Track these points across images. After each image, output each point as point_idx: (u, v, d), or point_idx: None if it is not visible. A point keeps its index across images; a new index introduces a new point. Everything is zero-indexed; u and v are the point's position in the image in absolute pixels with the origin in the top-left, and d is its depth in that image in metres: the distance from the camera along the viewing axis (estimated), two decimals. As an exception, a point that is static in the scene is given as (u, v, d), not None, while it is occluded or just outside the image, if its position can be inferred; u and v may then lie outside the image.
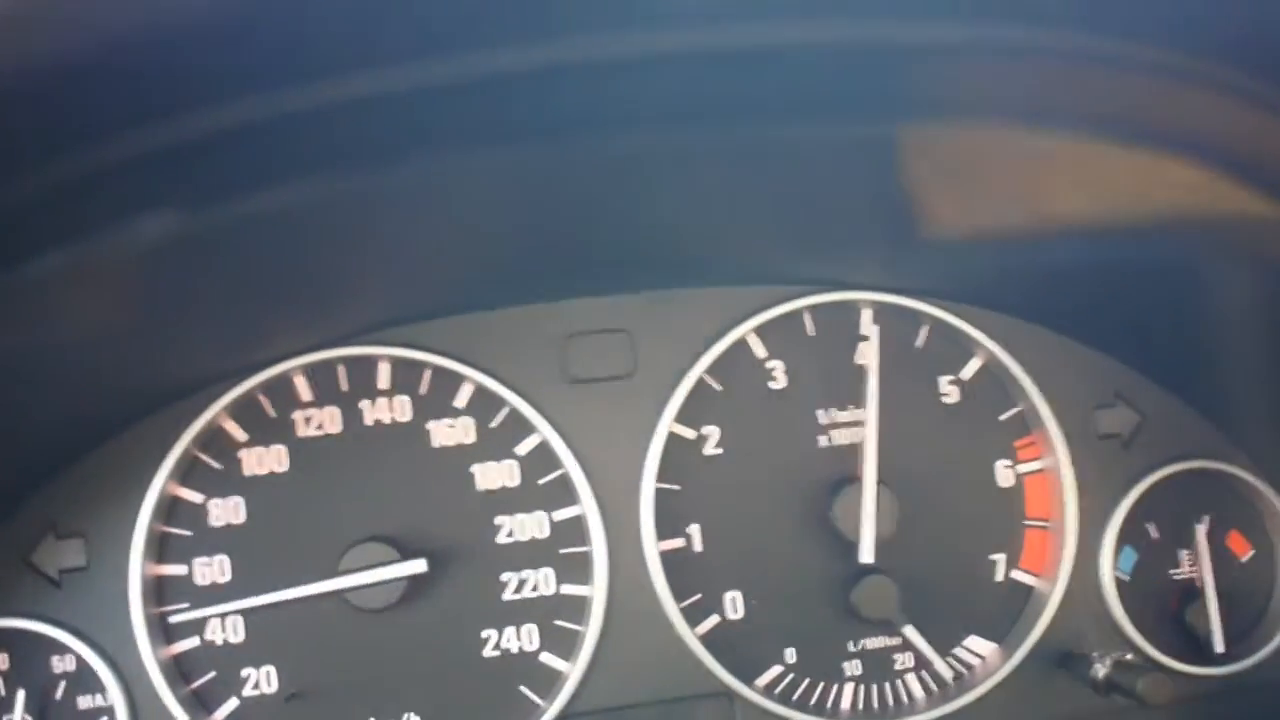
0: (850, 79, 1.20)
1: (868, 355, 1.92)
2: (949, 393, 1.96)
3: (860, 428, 1.90)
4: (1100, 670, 1.81)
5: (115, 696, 1.76)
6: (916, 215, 1.69)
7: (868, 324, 1.94)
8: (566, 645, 1.86)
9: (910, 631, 1.87)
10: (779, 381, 1.93)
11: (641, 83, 1.16)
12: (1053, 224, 1.68)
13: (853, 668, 1.91)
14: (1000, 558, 1.95)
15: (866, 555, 1.83)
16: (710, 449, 1.90)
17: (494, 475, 1.86)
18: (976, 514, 1.95)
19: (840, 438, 1.92)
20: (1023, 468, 1.96)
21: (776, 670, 1.90)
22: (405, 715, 1.83)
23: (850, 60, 1.16)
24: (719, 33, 1.10)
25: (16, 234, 1.16)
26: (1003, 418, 1.96)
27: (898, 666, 1.92)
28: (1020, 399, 1.95)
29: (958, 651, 1.94)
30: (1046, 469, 1.95)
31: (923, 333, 1.96)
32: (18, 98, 0.95)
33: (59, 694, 1.78)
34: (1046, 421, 1.92)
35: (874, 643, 1.92)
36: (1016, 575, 1.95)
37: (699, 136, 1.33)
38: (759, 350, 1.92)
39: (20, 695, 1.76)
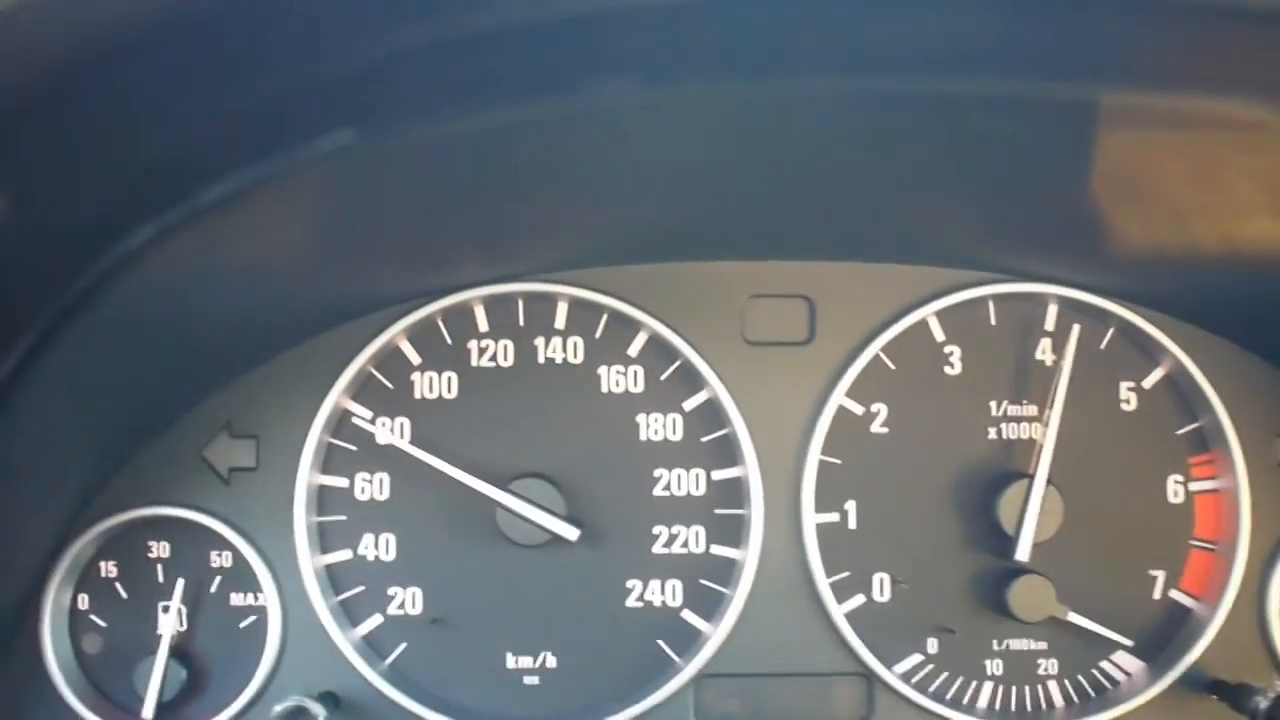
0: (1063, 34, 1.15)
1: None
2: (1128, 399, 1.90)
3: (1033, 424, 1.86)
4: (1261, 702, 1.74)
5: (270, 597, 1.80)
6: (1115, 215, 1.63)
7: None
8: (709, 606, 1.85)
9: (1075, 617, 1.82)
10: (955, 368, 1.88)
11: (856, 22, 1.12)
12: (1256, 244, 1.62)
13: (995, 667, 1.87)
14: (1160, 575, 1.89)
15: (1023, 553, 1.79)
16: (877, 426, 1.87)
17: (658, 427, 1.85)
18: (1141, 527, 1.89)
19: (1011, 431, 1.87)
20: (1195, 485, 1.89)
21: (917, 658, 1.87)
22: (542, 654, 1.84)
23: (1063, 13, 1.11)
24: None
25: (211, 153, 1.18)
26: (1181, 432, 1.89)
27: (1040, 671, 1.88)
28: (1203, 414, 1.88)
29: (1104, 665, 1.88)
30: (1221, 489, 1.88)
31: (1108, 334, 1.90)
32: (216, 22, 0.96)
33: (214, 587, 1.83)
34: (1229, 441, 1.85)
35: (1019, 644, 1.87)
36: (1175, 595, 1.88)
37: (905, 92, 1.28)
38: (938, 334, 1.88)
39: (180, 584, 1.81)
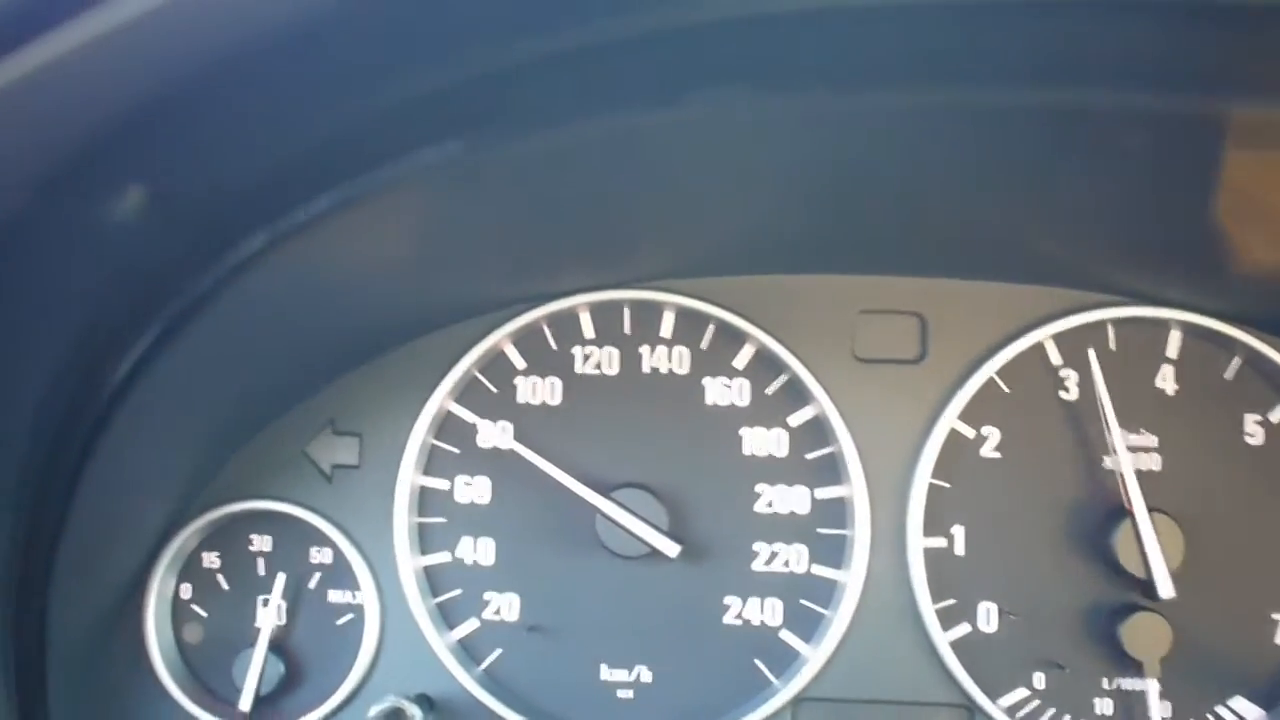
0: (1189, 48, 1.10)
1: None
2: (1254, 433, 1.82)
3: (1151, 454, 1.79)
4: (1392, 758, 1.65)
5: (368, 595, 1.80)
6: (1244, 236, 1.57)
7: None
8: (809, 627, 1.81)
9: (1151, 685, 1.74)
10: (1071, 393, 1.82)
11: (982, 32, 1.09)
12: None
13: (1104, 706, 1.80)
14: (1282, 618, 1.81)
15: (1164, 590, 1.71)
16: (988, 451, 1.81)
17: (762, 442, 1.82)
18: (1265, 568, 1.80)
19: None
20: (1323, 526, 1.81)
21: (1023, 693, 1.80)
22: (637, 667, 1.81)
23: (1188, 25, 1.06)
24: None
25: (325, 162, 1.19)
26: (1309, 469, 1.81)
27: (1152, 714, 1.79)
28: (1334, 453, 1.80)
29: (1219, 710, 1.80)
30: (1351, 533, 1.80)
31: (1234, 364, 1.82)
32: (338, 32, 0.96)
33: (313, 584, 1.84)
34: None
35: (1130, 684, 1.79)
36: (1298, 641, 1.80)
37: (1026, 106, 1.25)
38: (1055, 357, 1.82)
39: (280, 578, 1.82)
